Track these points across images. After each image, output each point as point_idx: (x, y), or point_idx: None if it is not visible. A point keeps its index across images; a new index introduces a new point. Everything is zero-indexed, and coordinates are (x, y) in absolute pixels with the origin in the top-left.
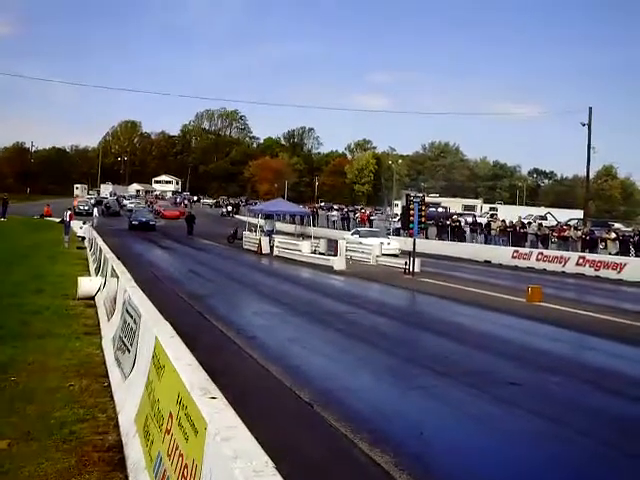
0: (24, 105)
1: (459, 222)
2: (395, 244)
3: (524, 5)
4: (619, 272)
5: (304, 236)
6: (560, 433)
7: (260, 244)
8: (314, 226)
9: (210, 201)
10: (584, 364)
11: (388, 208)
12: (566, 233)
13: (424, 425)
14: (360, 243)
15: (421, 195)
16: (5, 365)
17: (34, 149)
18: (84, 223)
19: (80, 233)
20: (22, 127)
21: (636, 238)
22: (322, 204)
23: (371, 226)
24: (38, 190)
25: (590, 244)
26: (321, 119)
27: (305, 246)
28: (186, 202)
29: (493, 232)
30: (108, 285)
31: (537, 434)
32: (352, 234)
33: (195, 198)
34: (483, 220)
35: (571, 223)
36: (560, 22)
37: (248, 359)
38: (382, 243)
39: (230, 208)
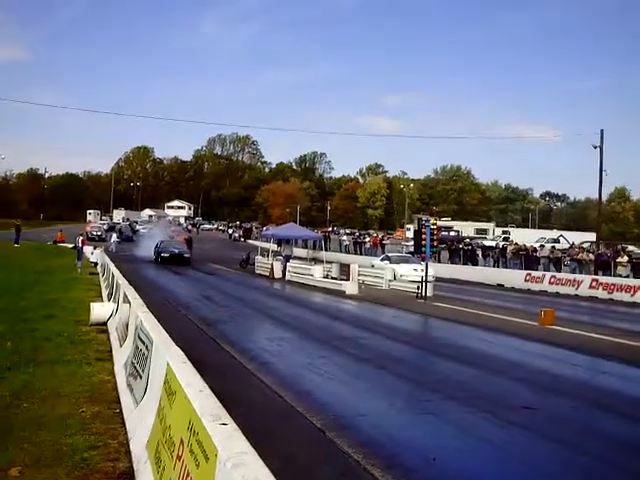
0: (38, 132)
1: (471, 246)
2: (430, 270)
3: (536, 28)
4: (633, 295)
5: (316, 260)
6: (575, 459)
7: (272, 269)
8: (326, 250)
9: (209, 226)
10: (598, 388)
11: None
12: (579, 256)
13: (437, 451)
14: (393, 270)
15: (433, 219)
16: (17, 391)
17: (47, 175)
18: (95, 248)
19: (92, 259)
20: (36, 154)
21: None
22: (334, 228)
23: (383, 251)
24: (51, 216)
25: (603, 267)
26: (333, 144)
27: (317, 271)
28: (190, 227)
29: (509, 255)
30: (120, 311)
31: (552, 459)
32: (381, 260)
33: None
34: (493, 243)
35: (584, 246)
36: (571, 45)
37: (260, 385)
38: (415, 269)
39: (241, 232)
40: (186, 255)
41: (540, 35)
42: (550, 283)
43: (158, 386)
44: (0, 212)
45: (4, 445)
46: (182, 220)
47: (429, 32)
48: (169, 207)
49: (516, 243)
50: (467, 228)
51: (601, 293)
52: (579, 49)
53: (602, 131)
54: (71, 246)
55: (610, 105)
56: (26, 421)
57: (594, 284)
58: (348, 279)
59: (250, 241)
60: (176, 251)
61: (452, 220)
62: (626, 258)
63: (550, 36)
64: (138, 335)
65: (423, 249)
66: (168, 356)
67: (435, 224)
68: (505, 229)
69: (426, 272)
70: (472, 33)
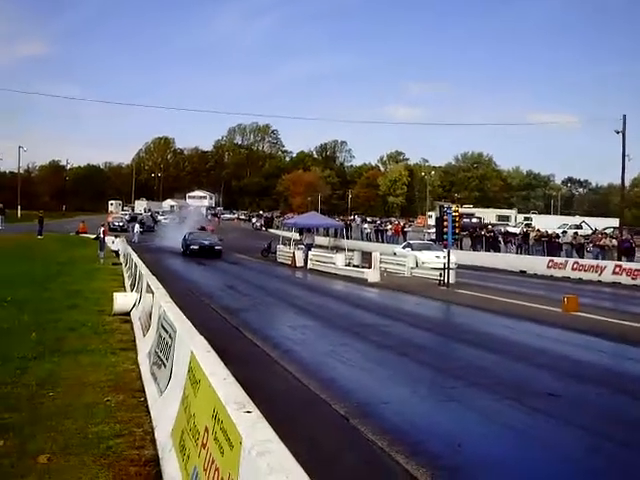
0: (59, 124)
1: (493, 232)
2: (452, 257)
3: (555, 15)
4: None
5: (338, 249)
6: (601, 445)
7: (294, 257)
8: (348, 238)
9: (229, 216)
10: (623, 374)
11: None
12: (602, 242)
13: (461, 437)
14: (415, 257)
15: (455, 206)
16: (43, 381)
17: (69, 167)
18: (116, 237)
19: (113, 247)
20: (57, 146)
21: None
22: (354, 217)
23: (405, 238)
24: (73, 207)
25: (626, 253)
26: (353, 132)
27: (339, 259)
28: (210, 217)
29: (531, 242)
30: (143, 300)
31: (578, 447)
32: (403, 247)
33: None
34: (516, 230)
35: (607, 231)
36: (591, 31)
37: (283, 373)
38: (438, 257)
39: (263, 222)
40: (217, 247)
41: (561, 21)
42: (573, 269)
43: (182, 375)
44: (23, 204)
45: (32, 433)
46: (203, 210)
47: (449, 21)
48: (190, 197)
49: (538, 230)
50: (489, 215)
51: (625, 279)
52: (601, 34)
53: (625, 116)
54: (93, 237)
55: (632, 90)
56: (52, 410)
57: (617, 270)
58: (370, 267)
59: (272, 230)
60: (206, 243)
61: (474, 207)
62: None
63: (571, 22)
64: (161, 324)
65: (445, 236)
66: (192, 345)
67: (457, 211)
68: (527, 215)
69: (448, 259)
70: (492, 22)
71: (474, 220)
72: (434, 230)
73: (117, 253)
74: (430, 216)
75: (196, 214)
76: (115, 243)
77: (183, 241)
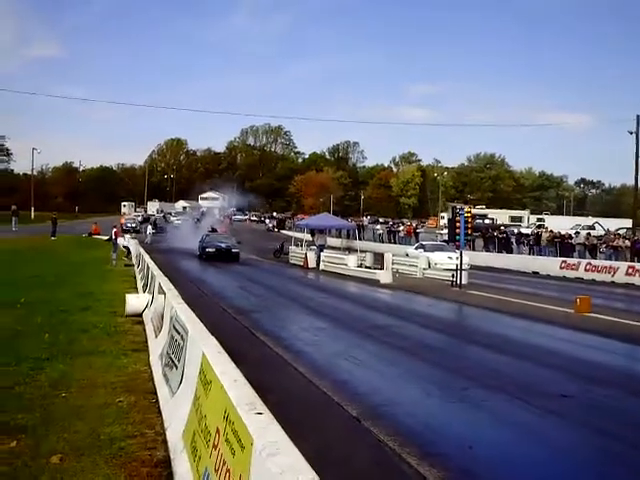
0: (72, 126)
1: (506, 233)
2: (465, 258)
3: (569, 14)
4: None
5: (350, 250)
6: (613, 447)
7: (306, 258)
8: (360, 240)
9: (241, 217)
10: (635, 376)
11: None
12: (615, 243)
13: (472, 439)
14: (427, 258)
15: (467, 207)
16: (56, 382)
17: (82, 168)
18: (127, 233)
19: (124, 243)
20: (71, 147)
21: None
22: (368, 217)
23: (417, 239)
24: (86, 209)
25: None
26: (366, 133)
27: (351, 260)
28: (222, 219)
29: (543, 243)
30: (155, 302)
31: (590, 448)
32: (416, 248)
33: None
34: (528, 231)
35: (620, 232)
36: (605, 31)
37: (295, 374)
38: (450, 258)
39: (275, 223)
40: (234, 250)
41: (575, 21)
42: (586, 270)
43: (193, 376)
44: (36, 206)
45: (45, 434)
46: (216, 211)
47: (461, 21)
48: (203, 198)
49: (551, 230)
50: (501, 216)
51: (638, 280)
52: (614, 34)
53: (638, 117)
54: (106, 238)
55: None
56: (65, 411)
57: (631, 271)
58: (382, 268)
59: (284, 231)
60: (223, 246)
61: (486, 208)
62: None
63: (585, 23)
64: (173, 325)
65: (457, 237)
66: (203, 346)
67: (469, 212)
68: (540, 216)
69: (460, 260)
70: (504, 22)
71: (487, 221)
72: (446, 231)
73: (128, 250)
74: (443, 217)
75: (208, 215)
76: (126, 239)
77: (199, 244)
